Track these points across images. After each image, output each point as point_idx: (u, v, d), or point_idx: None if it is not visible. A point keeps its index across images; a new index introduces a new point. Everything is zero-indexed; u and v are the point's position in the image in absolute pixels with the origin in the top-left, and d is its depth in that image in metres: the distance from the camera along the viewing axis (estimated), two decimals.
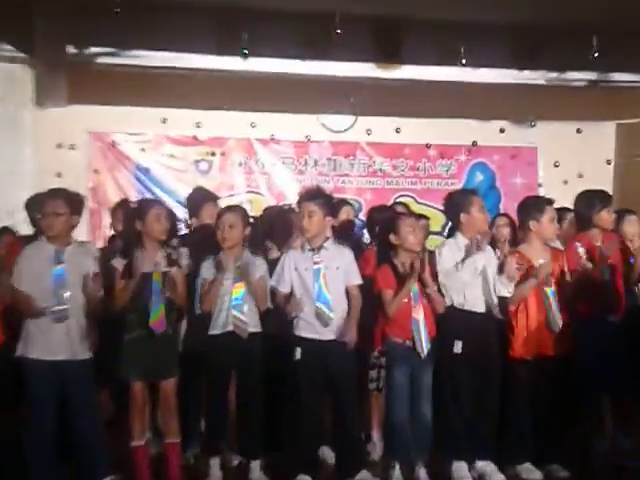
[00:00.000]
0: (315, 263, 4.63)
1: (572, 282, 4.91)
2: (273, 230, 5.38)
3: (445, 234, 6.55)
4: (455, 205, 4.89)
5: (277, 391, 4.84)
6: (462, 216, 4.83)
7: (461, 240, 4.82)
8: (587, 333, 4.83)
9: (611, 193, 5.66)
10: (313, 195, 4.75)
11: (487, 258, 4.75)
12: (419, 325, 4.61)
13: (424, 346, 4.60)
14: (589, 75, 7.24)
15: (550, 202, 4.96)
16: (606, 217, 5.05)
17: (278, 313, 4.78)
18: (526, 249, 4.89)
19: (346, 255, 4.73)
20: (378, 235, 5.12)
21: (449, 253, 4.77)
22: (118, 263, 4.64)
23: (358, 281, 4.72)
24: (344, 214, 5.88)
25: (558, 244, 5.52)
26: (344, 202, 6.16)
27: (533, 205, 4.93)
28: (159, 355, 4.61)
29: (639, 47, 6.88)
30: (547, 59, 7.07)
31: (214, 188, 6.76)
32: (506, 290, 4.73)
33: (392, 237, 4.73)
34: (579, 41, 6.63)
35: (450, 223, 5.22)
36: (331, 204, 4.83)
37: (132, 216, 4.83)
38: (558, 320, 4.76)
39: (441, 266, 4.74)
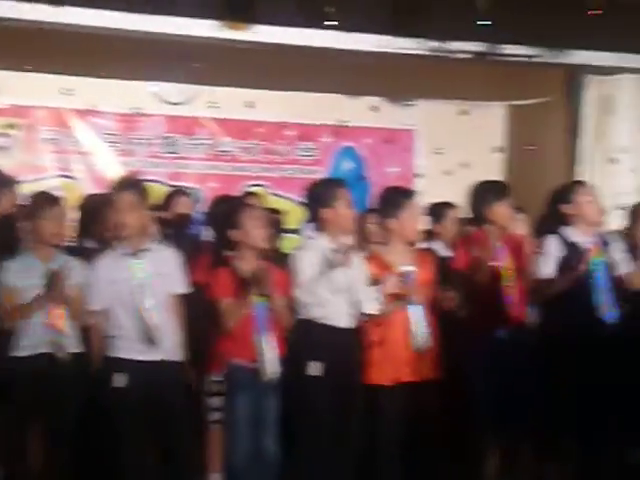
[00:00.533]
0: (135, 270, 4.59)
1: (457, 289, 5.09)
2: (95, 226, 5.32)
3: (305, 233, 6.64)
4: (317, 198, 4.96)
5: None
6: (325, 212, 4.90)
7: (323, 241, 4.89)
8: (469, 352, 5.02)
9: None
10: (130, 183, 4.74)
11: (354, 266, 4.85)
12: (264, 343, 4.65)
13: (269, 368, 4.64)
14: (477, 46, 7.48)
15: (410, 195, 5.10)
16: (500, 212, 5.24)
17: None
18: (386, 252, 5.00)
19: (171, 257, 4.74)
20: (216, 231, 5.13)
21: (308, 260, 4.82)
22: None
23: (181, 289, 4.73)
24: (180, 206, 5.87)
25: (440, 245, 5.72)
26: (179, 192, 6.14)
27: (391, 199, 5.06)
28: None
29: (533, 15, 7.18)
30: (429, 25, 7.24)
31: (15, 170, 6.58)
32: (374, 307, 4.85)
33: (232, 233, 4.75)
34: (466, 6, 6.85)
35: (311, 219, 5.28)
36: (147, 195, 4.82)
37: None
38: (425, 338, 4.89)
39: (297, 277, 4.79)
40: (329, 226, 4.92)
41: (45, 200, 4.87)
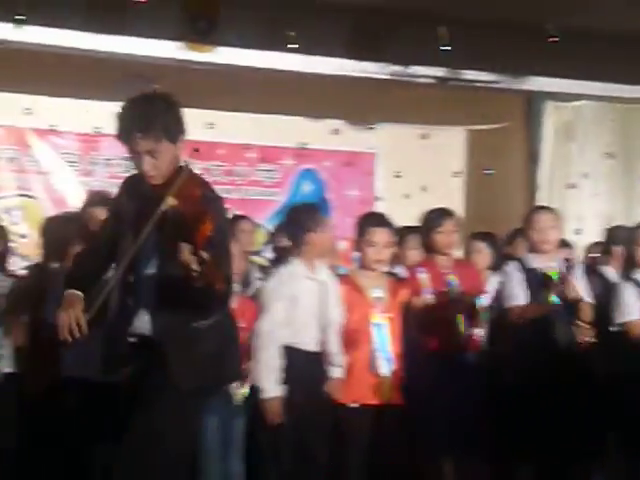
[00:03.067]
0: None
1: (413, 315, 5.10)
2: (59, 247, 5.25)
3: (268, 255, 6.60)
4: (300, 223, 4.94)
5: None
6: (308, 236, 4.87)
7: (298, 266, 4.84)
8: (424, 376, 5.02)
9: (458, 211, 5.91)
10: (103, 199, 4.67)
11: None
12: None
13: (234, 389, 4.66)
14: (437, 71, 7.52)
15: (384, 221, 5.10)
16: (439, 239, 5.26)
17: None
18: (358, 275, 5.02)
19: None
20: None
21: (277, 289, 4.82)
22: None
23: None
24: None
25: (402, 269, 5.72)
26: None
27: (365, 223, 5.07)
28: None
29: (493, 42, 7.24)
30: (390, 50, 7.28)
31: None
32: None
33: None
34: (428, 31, 6.89)
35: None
36: None
37: None
38: (385, 363, 4.88)
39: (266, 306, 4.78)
40: (311, 250, 4.89)
41: None
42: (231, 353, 3.77)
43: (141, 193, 3.55)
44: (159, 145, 3.49)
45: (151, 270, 3.52)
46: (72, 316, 3.42)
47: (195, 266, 3.14)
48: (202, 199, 3.38)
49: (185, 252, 3.16)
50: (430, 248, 5.30)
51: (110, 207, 3.85)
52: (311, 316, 4.75)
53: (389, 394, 4.87)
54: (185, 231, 3.21)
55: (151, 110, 3.55)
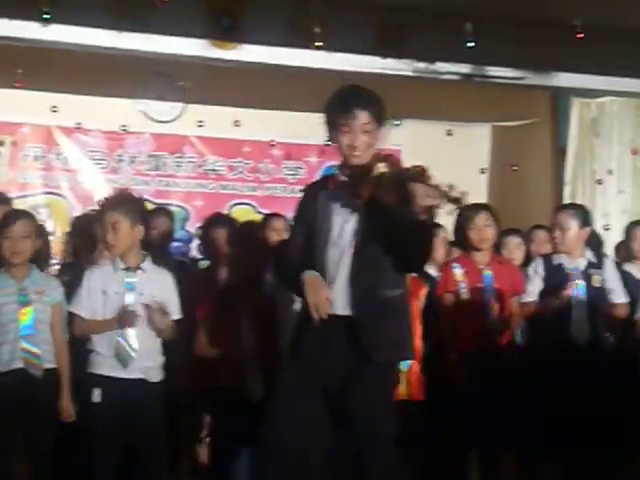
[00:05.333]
0: (128, 286, 4.58)
1: (444, 310, 5.14)
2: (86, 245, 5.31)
3: None
4: None
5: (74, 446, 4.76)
6: None
7: None
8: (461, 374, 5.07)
9: None
10: (116, 201, 4.70)
11: None
12: None
13: None
14: (462, 68, 7.52)
15: None
16: (472, 235, 5.29)
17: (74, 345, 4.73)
18: None
19: (167, 281, 4.72)
20: None
21: None
22: None
23: (176, 315, 4.69)
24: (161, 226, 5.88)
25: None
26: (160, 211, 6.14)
27: None
28: None
29: (519, 38, 7.23)
30: (415, 46, 7.28)
31: (1, 187, 6.57)
32: None
33: None
34: (452, 28, 6.89)
35: None
36: (142, 211, 4.78)
37: None
38: None
39: None
40: None
41: (7, 218, 4.75)
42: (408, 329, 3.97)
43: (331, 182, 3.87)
44: (372, 125, 3.77)
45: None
46: (320, 296, 3.61)
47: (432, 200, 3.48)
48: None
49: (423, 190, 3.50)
50: (465, 244, 5.35)
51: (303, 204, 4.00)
52: None
53: (407, 390, 4.92)
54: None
55: (369, 92, 3.91)
